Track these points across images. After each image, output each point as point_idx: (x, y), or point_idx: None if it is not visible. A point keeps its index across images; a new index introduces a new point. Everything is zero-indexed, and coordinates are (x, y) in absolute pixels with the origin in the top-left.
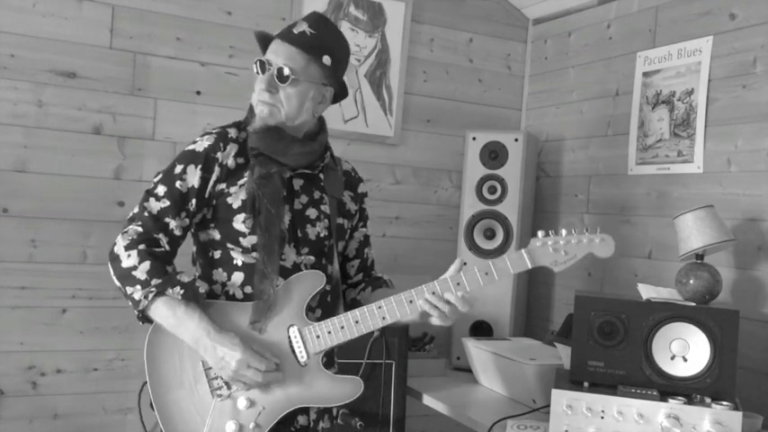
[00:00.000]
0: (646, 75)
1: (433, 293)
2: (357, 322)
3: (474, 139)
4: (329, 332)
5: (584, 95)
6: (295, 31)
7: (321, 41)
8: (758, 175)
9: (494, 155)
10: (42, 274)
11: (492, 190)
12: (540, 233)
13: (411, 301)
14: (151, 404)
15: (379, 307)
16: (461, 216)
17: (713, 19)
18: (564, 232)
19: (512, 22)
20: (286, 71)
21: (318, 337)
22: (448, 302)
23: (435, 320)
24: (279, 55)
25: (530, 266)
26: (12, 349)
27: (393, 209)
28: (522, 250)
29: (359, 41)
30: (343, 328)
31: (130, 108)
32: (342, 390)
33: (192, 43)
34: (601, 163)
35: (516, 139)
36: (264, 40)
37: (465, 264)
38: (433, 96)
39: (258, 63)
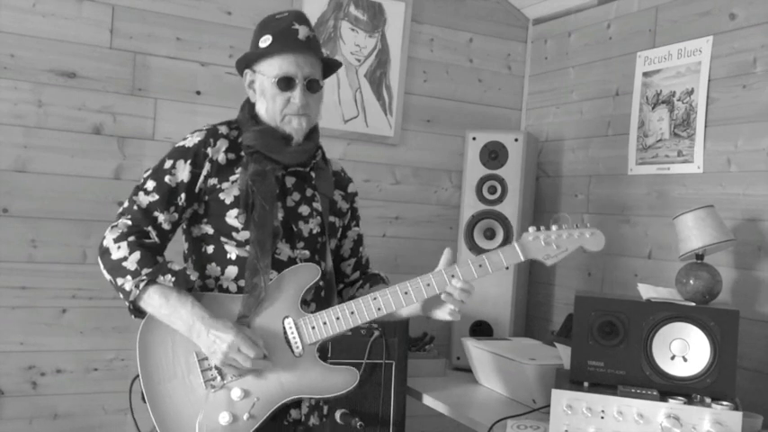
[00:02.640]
0: (646, 75)
1: (428, 285)
2: (353, 313)
3: (474, 139)
4: (324, 323)
5: (584, 95)
6: (301, 37)
7: (318, 40)
8: (758, 175)
9: (494, 155)
10: (42, 274)
11: (492, 190)
12: (531, 228)
13: (406, 293)
14: (143, 396)
15: (374, 298)
16: (461, 216)
17: (713, 19)
18: (555, 227)
19: (512, 22)
20: (316, 80)
21: (314, 328)
22: (449, 294)
23: (443, 314)
24: (300, 66)
25: (522, 259)
26: (12, 349)
27: (393, 209)
28: (515, 243)
29: (359, 41)
30: (338, 318)
31: (130, 108)
32: (337, 380)
33: (192, 43)
34: (601, 163)
35: (516, 139)
36: (259, 57)
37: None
38: (433, 96)
39: (282, 80)
